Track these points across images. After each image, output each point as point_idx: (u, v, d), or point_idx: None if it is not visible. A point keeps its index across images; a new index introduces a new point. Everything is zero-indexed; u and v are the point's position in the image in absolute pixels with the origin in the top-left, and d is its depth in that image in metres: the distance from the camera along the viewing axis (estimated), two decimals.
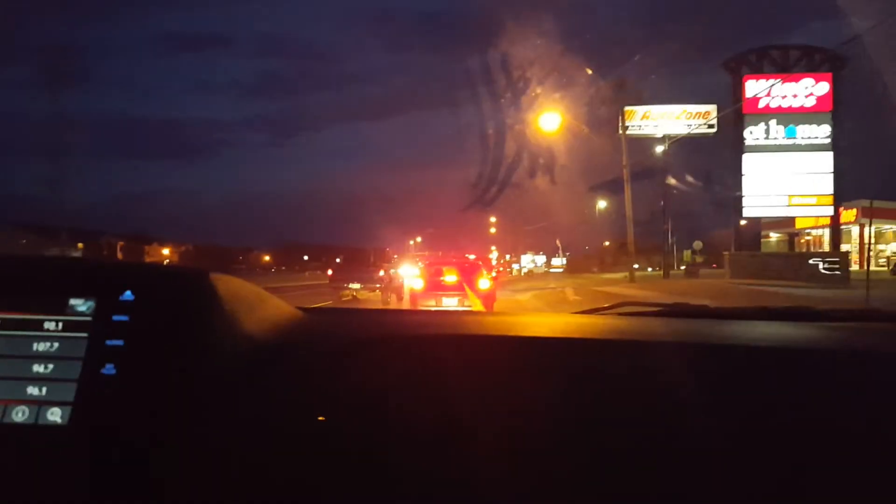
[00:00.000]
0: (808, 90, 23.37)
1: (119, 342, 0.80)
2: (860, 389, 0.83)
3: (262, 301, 0.99)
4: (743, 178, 23.81)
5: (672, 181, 27.94)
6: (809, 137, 23.51)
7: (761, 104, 23.59)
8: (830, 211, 24.04)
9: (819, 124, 23.37)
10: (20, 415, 0.78)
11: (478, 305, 11.00)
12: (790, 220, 38.90)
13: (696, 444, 0.76)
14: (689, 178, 28.12)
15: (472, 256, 20.60)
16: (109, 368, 0.79)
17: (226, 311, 0.88)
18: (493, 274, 18.85)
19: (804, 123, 23.45)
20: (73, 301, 0.83)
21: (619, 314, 1.33)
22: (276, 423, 0.79)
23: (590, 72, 24.06)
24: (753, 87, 23.58)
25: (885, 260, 34.47)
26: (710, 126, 32.47)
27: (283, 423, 0.79)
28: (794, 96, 23.50)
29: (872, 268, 21.48)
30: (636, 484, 0.74)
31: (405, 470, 0.76)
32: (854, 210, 30.82)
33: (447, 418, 0.79)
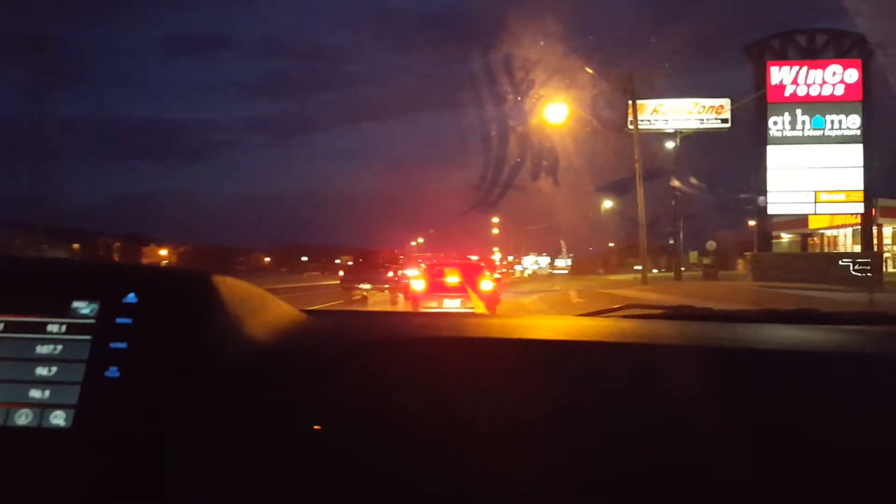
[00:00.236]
0: (837, 77, 21.69)
1: (122, 345, 0.80)
2: (866, 392, 0.83)
3: (264, 303, 0.99)
4: (767, 172, 22.08)
5: (677, 183, 26.27)
6: (838, 128, 21.81)
7: (787, 92, 21.91)
8: (860, 208, 22.31)
9: (848, 114, 21.67)
10: (23, 418, 0.77)
11: (480, 308, 10.88)
12: (803, 220, 37.44)
13: (699, 447, 0.77)
14: (694, 180, 26.59)
15: (474, 258, 20.62)
16: (113, 371, 0.79)
17: (229, 313, 0.88)
18: (497, 275, 19.51)
19: (832, 113, 21.76)
20: (76, 303, 0.83)
21: (623, 316, 1.31)
22: (279, 426, 0.80)
23: (590, 71, 22.63)
24: (777, 75, 21.91)
25: None
26: (724, 121, 30.96)
27: (286, 426, 0.80)
28: (822, 84, 21.80)
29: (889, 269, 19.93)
30: (639, 486, 0.75)
31: (408, 473, 0.77)
32: (871, 209, 28.95)
33: (450, 421, 0.79)
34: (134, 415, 0.77)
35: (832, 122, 21.82)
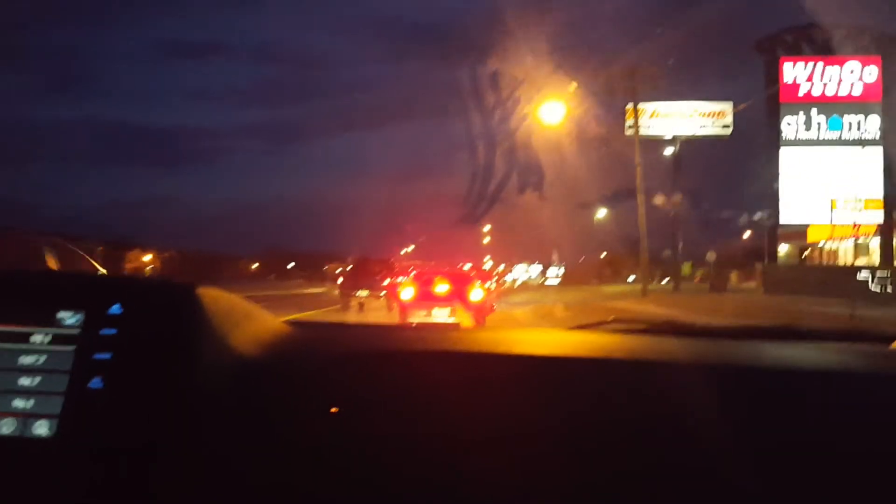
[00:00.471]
0: (856, 75, 20.05)
1: (107, 355, 0.80)
2: (848, 410, 0.84)
3: (248, 315, 1.00)
4: (780, 177, 20.35)
5: (661, 200, 24.45)
6: (856, 130, 20.15)
7: (801, 91, 20.26)
8: (880, 217, 20.61)
9: (867, 115, 20.02)
10: (6, 427, 0.78)
11: (467, 321, 10.82)
12: (801, 232, 36.01)
13: (682, 463, 0.78)
14: (679, 197, 24.81)
15: (467, 266, 20.72)
16: (97, 382, 0.79)
17: (213, 325, 0.88)
18: (493, 285, 19.09)
19: (850, 114, 20.10)
20: (60, 314, 0.83)
21: (609, 331, 1.33)
22: (264, 438, 0.80)
23: (575, 85, 21.02)
24: (791, 72, 20.27)
25: None
26: (725, 126, 29.48)
27: (270, 438, 0.80)
28: (839, 82, 20.21)
29: None
30: (622, 499, 0.76)
31: (393, 484, 0.78)
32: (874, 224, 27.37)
33: (434, 435, 0.80)
34: (117, 426, 0.77)
35: (850, 123, 20.20)
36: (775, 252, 21.41)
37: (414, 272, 14.66)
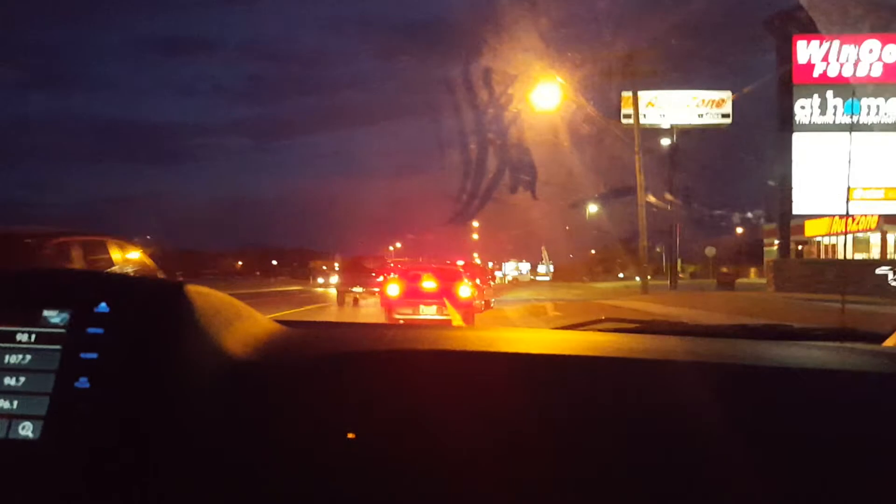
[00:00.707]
0: (875, 55, 18.59)
1: (93, 355, 0.79)
2: (835, 408, 0.85)
3: (238, 314, 0.99)
4: (792, 165, 18.83)
5: (652, 198, 23.00)
6: (875, 115, 18.68)
7: (816, 72, 18.76)
8: None
9: (888, 98, 18.56)
10: None
11: (457, 319, 7.93)
12: (797, 227, 34.65)
13: (673, 463, 0.78)
14: (669, 196, 23.44)
15: (459, 262, 20.33)
16: (83, 382, 0.77)
17: (203, 324, 0.87)
18: (491, 282, 19.47)
19: (869, 97, 18.63)
20: (46, 312, 0.82)
21: (599, 330, 1.34)
22: (253, 438, 0.80)
23: (561, 80, 19.59)
24: (805, 51, 18.76)
25: None
26: (725, 115, 27.99)
27: (260, 441, 0.80)
28: (857, 63, 18.70)
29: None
30: (612, 499, 0.77)
31: (384, 484, 0.77)
32: (876, 216, 25.95)
33: (426, 434, 0.80)
34: (104, 426, 0.76)
35: (868, 107, 18.68)
36: (788, 246, 19.91)
37: (401, 269, 14.66)
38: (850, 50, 18.67)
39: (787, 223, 19.91)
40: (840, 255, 27.37)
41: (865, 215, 21.04)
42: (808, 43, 18.75)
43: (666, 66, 22.26)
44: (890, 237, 29.31)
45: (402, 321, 10.55)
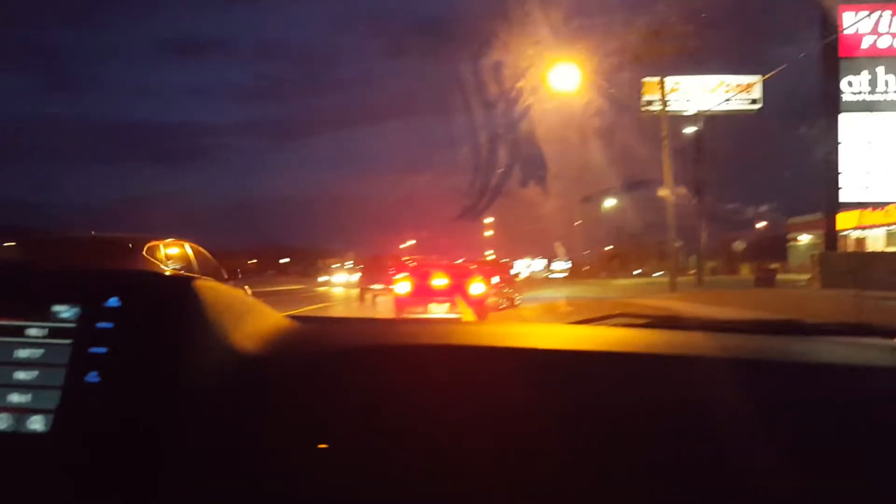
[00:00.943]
0: None
1: (103, 349, 0.80)
2: (852, 403, 0.84)
3: (250, 309, 0.99)
4: (839, 149, 17.01)
5: (662, 190, 21.33)
6: None
7: (865, 44, 16.96)
8: None
9: None
10: (1, 423, 0.77)
11: (469, 315, 10.33)
12: (823, 220, 32.62)
13: (686, 456, 0.77)
14: (683, 189, 21.77)
15: (490, 256, 21.71)
16: (93, 376, 0.78)
17: (213, 319, 0.87)
18: (514, 280, 18.73)
19: None
20: (57, 307, 0.82)
21: (612, 325, 1.32)
22: (263, 435, 0.79)
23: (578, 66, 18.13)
24: (852, 21, 16.91)
25: None
26: (754, 101, 26.19)
27: (270, 435, 0.79)
28: None
29: None
30: (624, 494, 0.76)
31: (397, 484, 0.77)
32: None
33: (437, 429, 0.79)
34: (113, 420, 0.76)
35: None
36: (834, 239, 18.09)
37: (412, 266, 14.41)
38: None
39: (834, 213, 18.11)
40: (872, 250, 25.53)
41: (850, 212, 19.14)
42: (857, 12, 16.94)
43: (694, 44, 20.55)
44: None
45: (418, 318, 10.30)
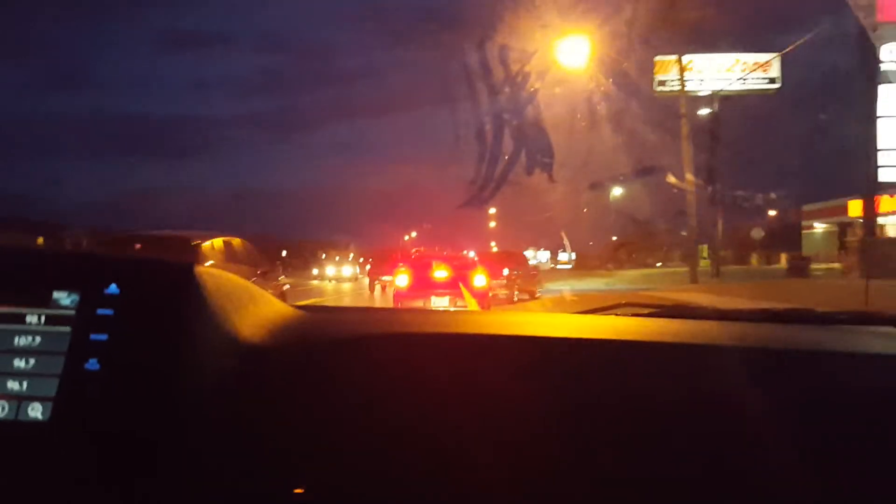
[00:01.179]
0: None
1: (103, 336, 0.79)
2: (861, 391, 0.83)
3: (253, 297, 0.98)
4: (877, 124, 15.54)
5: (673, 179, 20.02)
6: None
7: None
8: None
9: None
10: (0, 411, 0.77)
11: (473, 305, 9.48)
12: (840, 207, 31.15)
13: (694, 445, 0.76)
14: (689, 177, 20.43)
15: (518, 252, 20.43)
16: (93, 363, 0.77)
17: (215, 306, 0.86)
18: (535, 272, 18.40)
19: None
20: (56, 294, 0.81)
21: (618, 314, 1.31)
22: (264, 424, 0.79)
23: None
24: None
25: None
26: (772, 80, 24.73)
27: (272, 424, 0.79)
28: None
29: None
30: (631, 484, 0.75)
31: (400, 474, 0.76)
32: None
33: (441, 419, 0.79)
34: (113, 408, 0.76)
35: None
36: (873, 224, 16.63)
37: (412, 258, 13.98)
38: None
39: (873, 195, 16.63)
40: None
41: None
42: None
43: (712, 14, 19.13)
44: None
45: (423, 307, 10.28)
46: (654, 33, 20.15)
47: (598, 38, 16.66)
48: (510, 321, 1.08)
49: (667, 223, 28.69)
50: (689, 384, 0.82)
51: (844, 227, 33.62)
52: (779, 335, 1.06)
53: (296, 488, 0.74)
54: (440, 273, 11.32)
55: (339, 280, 30.71)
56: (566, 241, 44.87)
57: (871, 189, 16.55)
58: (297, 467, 0.75)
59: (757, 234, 25.50)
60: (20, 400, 0.76)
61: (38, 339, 0.79)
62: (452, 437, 0.76)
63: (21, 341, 0.78)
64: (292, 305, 1.08)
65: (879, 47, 15.62)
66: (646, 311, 1.28)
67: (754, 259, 40.37)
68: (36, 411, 0.75)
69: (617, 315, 1.27)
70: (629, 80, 20.01)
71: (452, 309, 10.27)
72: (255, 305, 0.95)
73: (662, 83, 23.84)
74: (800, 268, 17.90)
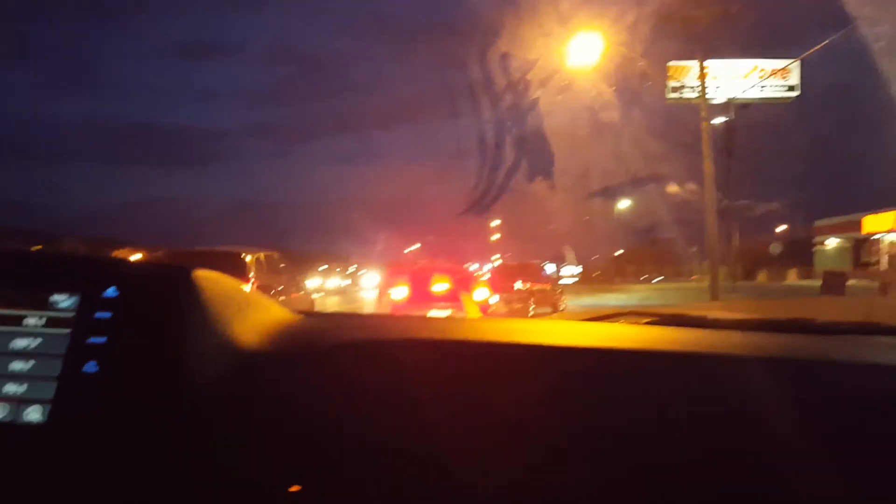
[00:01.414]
0: None
1: (101, 339, 0.79)
2: (864, 402, 0.83)
3: (251, 302, 0.98)
4: None
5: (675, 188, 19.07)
6: None
7: None
8: None
9: None
10: None
11: (474, 312, 9.81)
12: (854, 223, 29.96)
13: (689, 451, 0.76)
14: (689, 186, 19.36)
15: (497, 260, 21.14)
16: (91, 366, 0.77)
17: (213, 310, 0.86)
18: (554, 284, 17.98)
19: None
20: (55, 297, 0.82)
21: (618, 322, 1.32)
22: (262, 427, 0.79)
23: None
24: None
25: None
26: (791, 88, 23.58)
27: (270, 428, 0.79)
28: None
29: None
30: (625, 489, 0.75)
31: (397, 479, 0.76)
32: None
33: (440, 425, 0.79)
34: (112, 410, 0.75)
35: None
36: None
37: (411, 270, 13.78)
38: None
39: None
40: None
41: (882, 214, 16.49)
42: None
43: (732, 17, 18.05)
44: None
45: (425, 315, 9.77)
46: (667, 38, 19.12)
47: (612, 31, 15.71)
48: (505, 328, 1.08)
49: (678, 236, 27.66)
50: (688, 393, 0.82)
51: (860, 244, 32.42)
52: (781, 345, 1.06)
53: (291, 487, 0.74)
54: (438, 287, 11.14)
55: (326, 293, 29.17)
56: (570, 255, 43.87)
57: None
58: (294, 471, 0.75)
59: (775, 248, 24.45)
60: (19, 402, 0.75)
61: (36, 341, 0.78)
62: (448, 442, 0.76)
63: (20, 344, 0.78)
64: (295, 311, 1.07)
65: None
66: (645, 319, 1.28)
67: (762, 275, 39.14)
68: (34, 414, 0.75)
69: (616, 323, 1.28)
70: (642, 85, 18.98)
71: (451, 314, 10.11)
72: (252, 310, 0.94)
73: (676, 89, 22.73)
74: (835, 284, 16.23)
